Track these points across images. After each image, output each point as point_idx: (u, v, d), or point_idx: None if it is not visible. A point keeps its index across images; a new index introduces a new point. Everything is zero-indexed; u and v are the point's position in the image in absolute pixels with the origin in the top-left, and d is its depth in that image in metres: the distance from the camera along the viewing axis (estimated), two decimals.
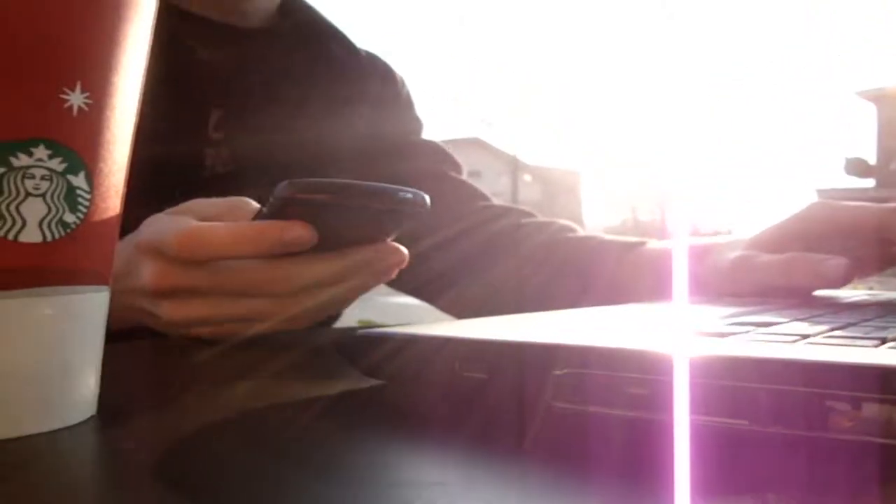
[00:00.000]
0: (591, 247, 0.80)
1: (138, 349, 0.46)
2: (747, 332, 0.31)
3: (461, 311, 0.87)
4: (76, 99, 0.24)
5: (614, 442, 0.25)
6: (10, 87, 0.23)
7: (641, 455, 0.24)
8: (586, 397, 0.26)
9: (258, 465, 0.23)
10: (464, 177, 0.91)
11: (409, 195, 0.43)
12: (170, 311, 0.47)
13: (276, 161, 0.75)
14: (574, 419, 0.26)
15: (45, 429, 0.25)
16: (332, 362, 0.39)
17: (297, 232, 0.43)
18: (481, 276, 0.82)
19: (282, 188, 0.42)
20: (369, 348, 0.33)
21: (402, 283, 0.85)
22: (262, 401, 0.31)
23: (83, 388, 0.27)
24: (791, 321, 0.35)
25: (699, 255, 0.65)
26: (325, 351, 0.46)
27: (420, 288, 0.86)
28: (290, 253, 0.45)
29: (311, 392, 0.33)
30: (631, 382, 0.25)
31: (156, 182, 0.51)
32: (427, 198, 0.44)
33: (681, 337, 0.30)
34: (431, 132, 0.94)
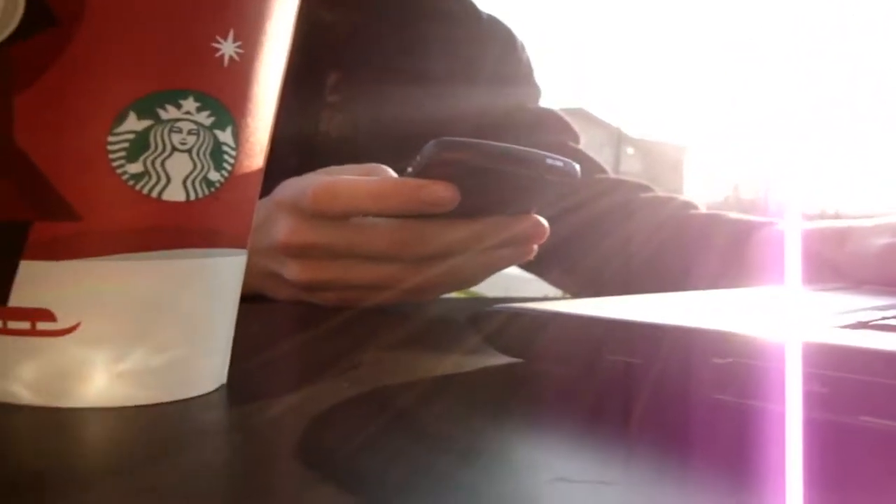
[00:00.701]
0: (708, 224, 0.77)
1: (255, 314, 0.45)
2: None
3: (570, 285, 0.85)
4: (228, 48, 0.23)
5: (782, 442, 0.23)
6: (163, 35, 0.22)
7: (815, 460, 0.21)
8: (751, 390, 0.24)
9: (398, 446, 0.21)
10: (581, 146, 0.89)
11: (560, 163, 0.41)
12: (297, 272, 0.46)
13: (391, 127, 0.74)
14: (736, 413, 0.24)
15: (180, 396, 0.24)
16: (463, 336, 0.38)
17: (438, 191, 0.41)
18: (592, 251, 0.79)
19: (429, 147, 0.40)
20: (507, 324, 0.32)
21: None
22: (395, 375, 0.30)
23: (216, 357, 0.26)
24: None
25: (836, 240, 0.61)
26: (455, 324, 0.44)
27: (533, 262, 0.84)
28: (429, 216, 0.44)
29: (445, 368, 0.32)
30: (807, 378, 0.23)
31: (271, 144, 0.50)
32: (577, 168, 0.42)
33: (859, 329, 0.27)
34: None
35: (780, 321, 0.30)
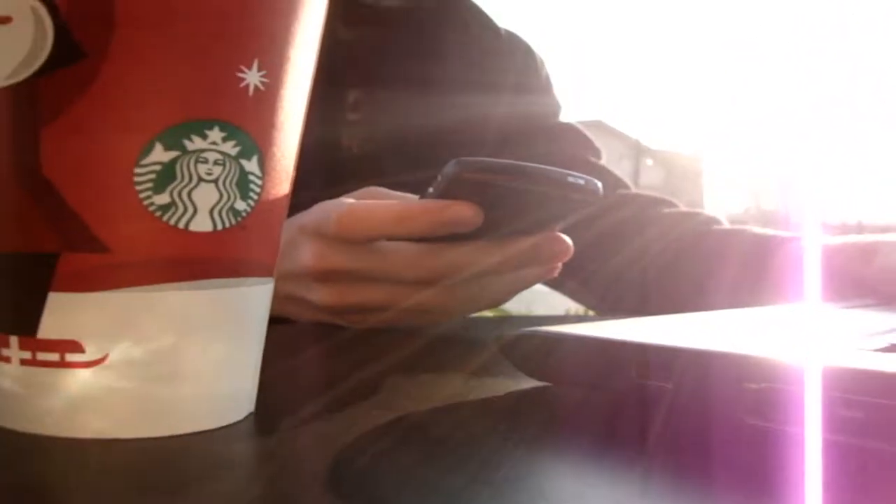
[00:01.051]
0: (730, 238, 0.76)
1: (277, 336, 0.45)
2: None
3: (585, 297, 0.85)
4: (253, 78, 0.23)
5: (816, 468, 0.22)
6: (187, 66, 0.22)
7: (851, 486, 0.21)
8: (785, 416, 0.24)
9: (424, 474, 0.21)
10: (603, 162, 0.88)
11: (581, 181, 0.41)
12: (325, 296, 0.46)
13: (413, 144, 0.74)
14: (769, 439, 0.24)
15: (209, 426, 0.24)
16: (490, 359, 0.37)
17: (460, 211, 0.41)
18: (606, 263, 0.79)
19: (449, 167, 0.40)
20: (534, 348, 0.31)
21: None
22: (421, 400, 0.30)
23: (244, 385, 0.26)
24: None
25: (864, 255, 0.60)
26: (482, 345, 0.44)
27: None
28: (452, 238, 0.43)
29: (473, 392, 0.31)
30: (843, 403, 0.23)
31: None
32: (599, 185, 0.42)
33: (894, 353, 0.27)
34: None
35: (812, 344, 0.30)
